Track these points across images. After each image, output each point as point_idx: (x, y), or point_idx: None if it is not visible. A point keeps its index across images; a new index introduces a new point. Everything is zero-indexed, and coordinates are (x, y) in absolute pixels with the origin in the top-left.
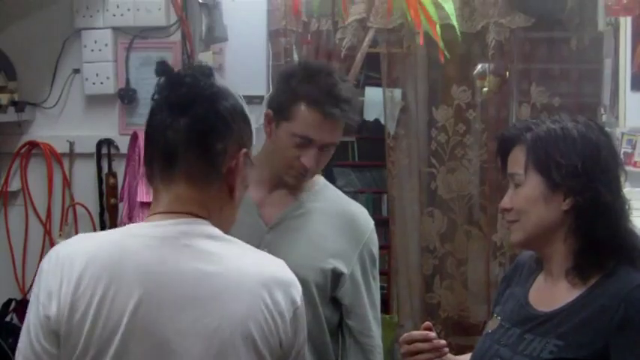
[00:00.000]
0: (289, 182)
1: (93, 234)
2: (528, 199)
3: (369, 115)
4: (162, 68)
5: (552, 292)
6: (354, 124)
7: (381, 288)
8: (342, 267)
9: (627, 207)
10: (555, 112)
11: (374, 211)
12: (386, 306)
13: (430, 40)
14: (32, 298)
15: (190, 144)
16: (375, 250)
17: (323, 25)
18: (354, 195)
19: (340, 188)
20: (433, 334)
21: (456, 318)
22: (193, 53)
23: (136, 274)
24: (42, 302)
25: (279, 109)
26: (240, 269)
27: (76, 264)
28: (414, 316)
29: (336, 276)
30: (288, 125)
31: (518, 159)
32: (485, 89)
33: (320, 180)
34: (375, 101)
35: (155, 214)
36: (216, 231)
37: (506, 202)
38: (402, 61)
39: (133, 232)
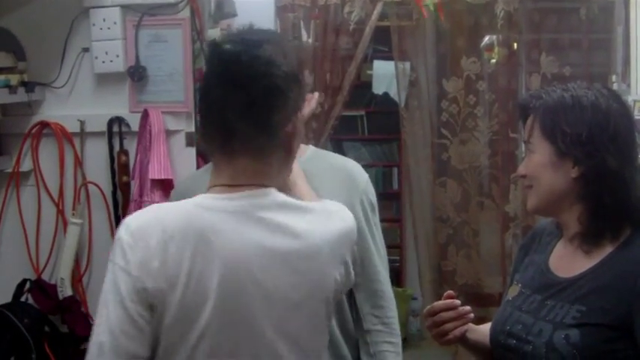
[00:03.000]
0: None
1: (167, 204)
2: (538, 165)
3: (378, 89)
4: (214, 47)
5: (572, 259)
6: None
7: (394, 261)
8: None
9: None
10: (566, 81)
11: (384, 184)
12: (399, 279)
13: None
14: (117, 269)
15: (249, 120)
16: (374, 198)
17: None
18: (364, 168)
19: None
20: (457, 301)
21: (473, 286)
22: (203, 29)
23: (218, 251)
24: (135, 275)
25: None
26: (314, 240)
27: (159, 238)
28: (430, 286)
29: None
30: None
31: (530, 127)
32: (493, 60)
33: (309, 147)
34: (383, 74)
35: (219, 185)
36: (281, 197)
37: (520, 168)
38: (411, 33)
39: (206, 205)
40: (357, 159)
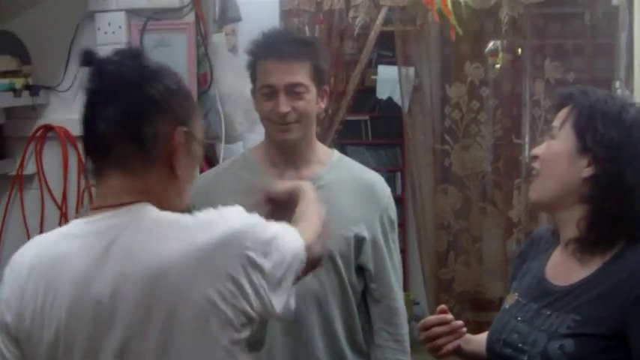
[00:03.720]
0: (275, 138)
1: (45, 236)
2: (556, 152)
3: (382, 94)
4: (87, 58)
5: (568, 267)
6: (321, 63)
7: None
8: (364, 232)
9: None
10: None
11: None
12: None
13: (443, 18)
14: None
15: (120, 133)
16: (394, 215)
17: (336, 4)
18: None
19: None
20: (450, 316)
21: (471, 293)
22: (207, 34)
23: (68, 282)
24: (0, 309)
25: (251, 79)
26: (171, 258)
27: (23, 272)
28: (429, 293)
29: (359, 242)
30: (256, 87)
31: (563, 115)
32: (497, 66)
33: (334, 153)
34: (388, 79)
35: (92, 209)
36: (151, 214)
37: (536, 149)
38: (415, 38)
39: (71, 232)
40: (361, 163)
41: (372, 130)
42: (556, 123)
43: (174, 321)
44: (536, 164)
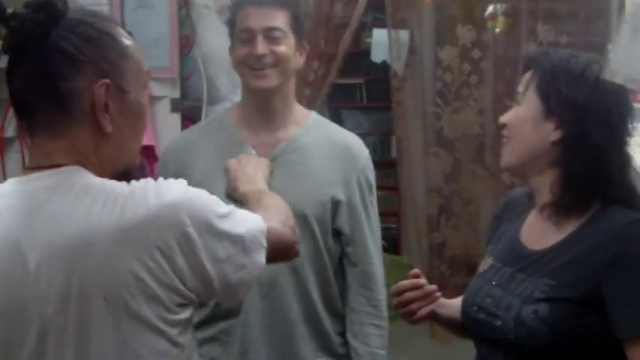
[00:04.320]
0: (251, 85)
1: None
2: (522, 118)
3: (377, 57)
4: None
5: (543, 231)
6: (300, 14)
7: (392, 229)
8: (340, 194)
9: (626, 159)
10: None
11: (382, 152)
12: (396, 247)
13: None
14: None
15: (35, 91)
16: (372, 177)
17: None
18: (362, 137)
19: (348, 130)
20: (422, 280)
21: (462, 257)
22: None
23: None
24: None
25: (230, 33)
26: (96, 226)
27: None
28: (421, 257)
29: (335, 205)
30: (234, 35)
31: (526, 79)
32: (497, 30)
33: (312, 114)
34: (382, 42)
35: (26, 169)
36: (79, 179)
37: (504, 117)
38: (407, 1)
39: (2, 191)
40: (356, 127)
41: (366, 93)
42: (520, 88)
43: (95, 296)
44: (504, 131)
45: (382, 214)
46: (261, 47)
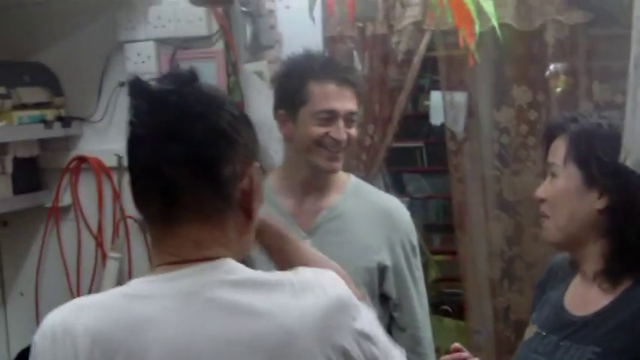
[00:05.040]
0: (323, 166)
1: (89, 298)
2: (562, 191)
3: (436, 119)
4: (137, 88)
5: (587, 296)
6: (362, 91)
7: (456, 294)
8: (386, 260)
9: None
10: (618, 109)
11: (445, 216)
12: (461, 312)
13: (489, 41)
14: None
15: (193, 176)
16: (414, 239)
17: (378, 29)
18: (424, 200)
19: (410, 194)
20: (465, 353)
21: (526, 321)
22: (237, 61)
23: (156, 347)
24: None
25: (291, 100)
26: (285, 321)
27: (82, 342)
28: (486, 322)
29: (381, 270)
30: (306, 108)
31: (558, 149)
32: (558, 89)
33: (351, 179)
34: (441, 105)
35: (162, 264)
36: (241, 270)
37: (540, 191)
38: (461, 63)
39: (139, 292)
40: (417, 190)
41: (427, 156)
42: (554, 159)
43: None
44: (543, 207)
45: (447, 279)
46: (343, 132)
